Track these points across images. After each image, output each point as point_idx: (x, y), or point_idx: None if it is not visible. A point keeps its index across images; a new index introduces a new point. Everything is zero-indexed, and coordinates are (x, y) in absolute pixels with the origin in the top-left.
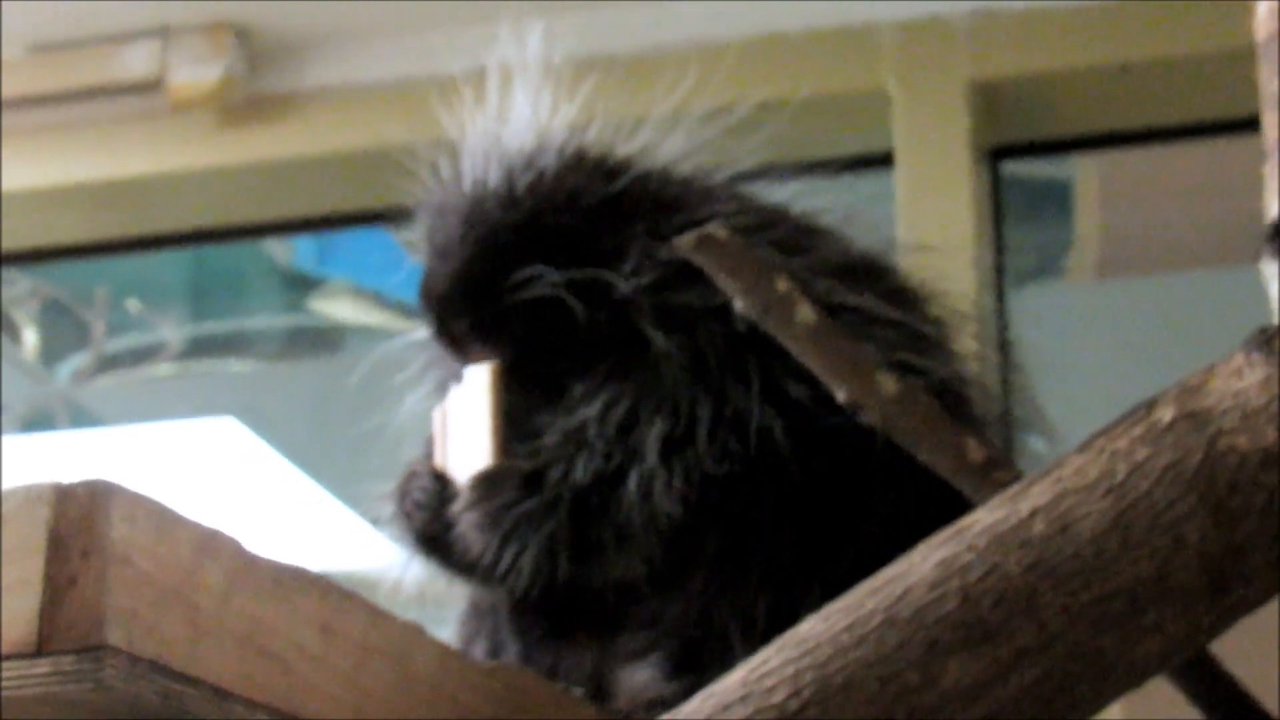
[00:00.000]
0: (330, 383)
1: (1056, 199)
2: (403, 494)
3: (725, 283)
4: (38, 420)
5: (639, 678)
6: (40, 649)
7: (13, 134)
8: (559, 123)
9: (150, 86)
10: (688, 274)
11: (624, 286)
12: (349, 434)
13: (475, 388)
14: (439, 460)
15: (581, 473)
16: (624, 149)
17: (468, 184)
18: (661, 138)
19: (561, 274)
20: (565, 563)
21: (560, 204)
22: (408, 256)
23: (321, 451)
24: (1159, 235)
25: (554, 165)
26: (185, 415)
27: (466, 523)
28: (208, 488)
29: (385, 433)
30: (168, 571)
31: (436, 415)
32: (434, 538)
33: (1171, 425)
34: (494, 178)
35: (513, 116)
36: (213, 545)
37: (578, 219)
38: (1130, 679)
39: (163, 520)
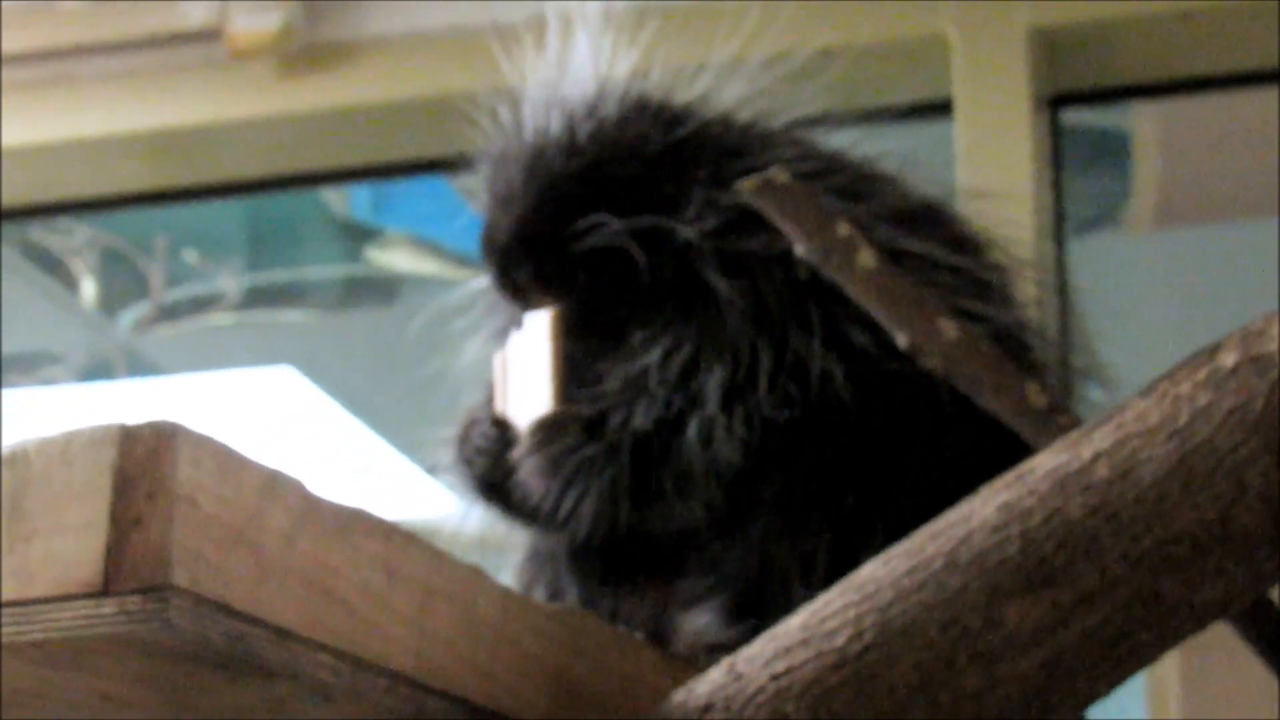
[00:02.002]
0: (387, 332)
1: (1115, 149)
2: (463, 440)
3: (786, 228)
4: (97, 369)
5: (699, 622)
6: (106, 589)
7: (72, 82)
8: (620, 71)
9: (209, 35)
10: (750, 220)
11: (687, 233)
12: (406, 383)
13: (536, 334)
14: (499, 406)
15: (642, 419)
16: (684, 96)
17: (529, 133)
18: (721, 84)
19: (624, 222)
20: (626, 508)
21: (622, 152)
22: (465, 206)
23: (378, 400)
24: (1218, 184)
25: (616, 114)
26: (243, 364)
27: (527, 468)
28: (266, 436)
29: (443, 381)
30: (233, 513)
31: (497, 361)
32: (494, 484)
33: (1235, 370)
34: (555, 126)
35: (573, 64)
36: (277, 487)
37: (640, 167)
38: (1192, 624)
39: (228, 462)
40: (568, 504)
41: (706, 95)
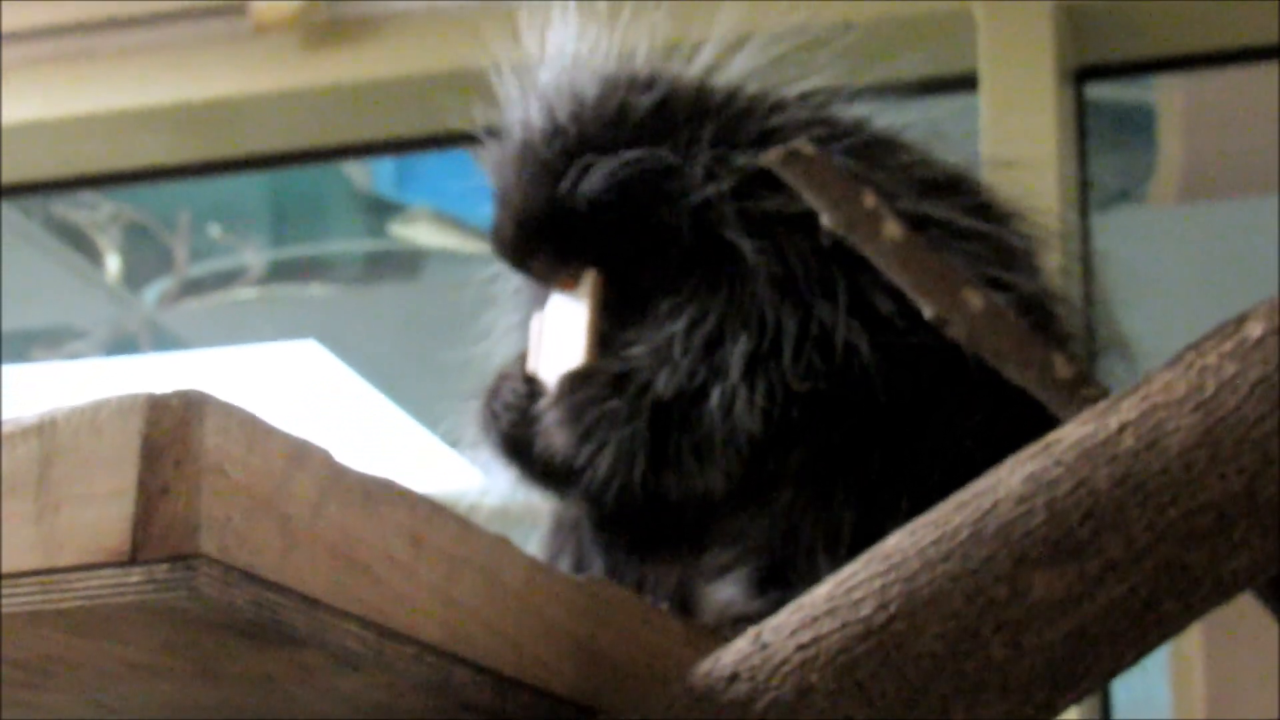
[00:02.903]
0: (410, 306)
1: (1139, 124)
2: (492, 395)
3: (811, 198)
4: (121, 344)
5: (724, 594)
6: (134, 557)
7: (96, 57)
8: (597, 53)
9: (233, 9)
10: (768, 180)
11: (705, 192)
12: (429, 357)
13: (577, 304)
14: (532, 366)
15: (664, 386)
16: (675, 69)
17: (515, 130)
18: (725, 58)
19: (609, 159)
20: (642, 466)
21: (606, 124)
22: (488, 181)
23: (402, 374)
24: (1242, 159)
25: (594, 91)
26: (267, 339)
27: (550, 419)
28: (290, 410)
29: (467, 356)
30: (260, 481)
31: (535, 322)
32: (518, 440)
33: (1261, 341)
34: (536, 115)
35: (549, 54)
36: (304, 456)
37: (628, 134)
38: (1217, 595)
39: (255, 430)
40: (585, 454)
41: (714, 69)
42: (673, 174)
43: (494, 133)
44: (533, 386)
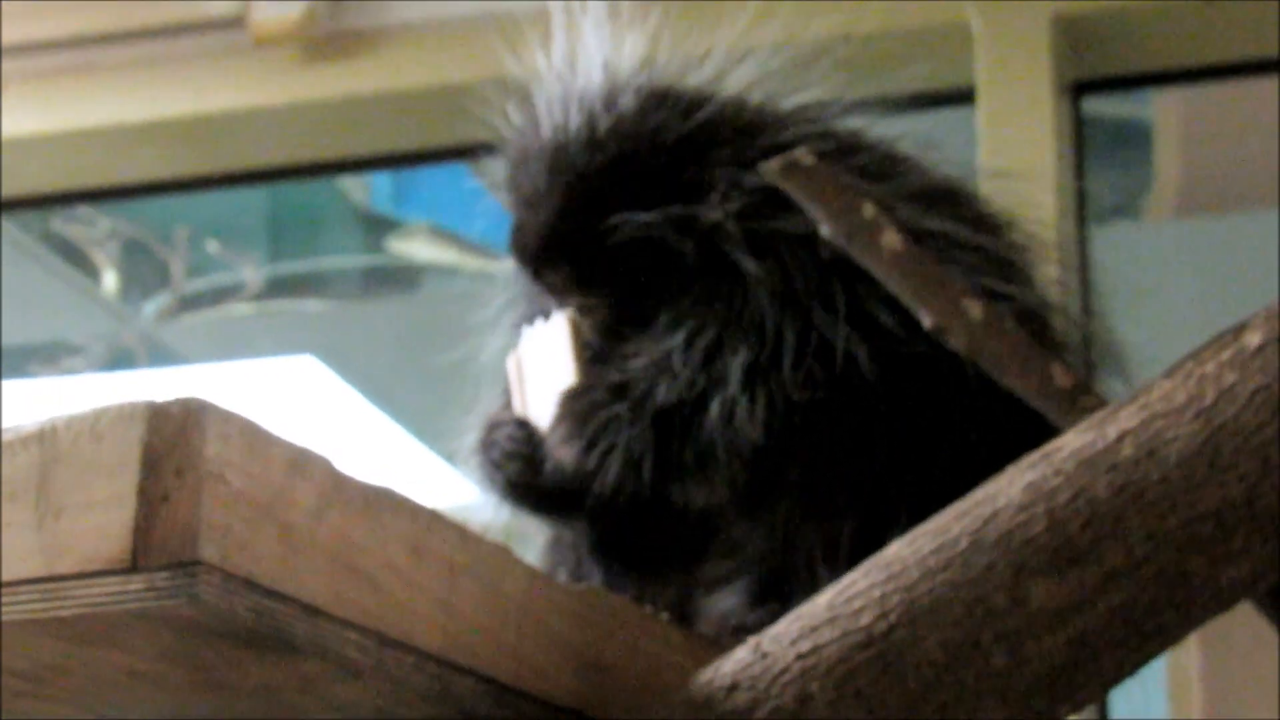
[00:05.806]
0: (408, 322)
1: (1136, 139)
2: (488, 445)
3: (811, 208)
4: (118, 359)
5: (723, 605)
6: (134, 565)
7: (94, 71)
8: (631, 60)
9: (233, 22)
10: (775, 200)
11: (714, 214)
12: (427, 372)
13: (554, 336)
14: (518, 409)
15: (664, 395)
16: (697, 81)
17: (547, 130)
18: (731, 67)
19: (651, 215)
20: (649, 468)
21: (644, 143)
22: (486, 196)
23: (399, 389)
24: (1239, 173)
25: (634, 105)
26: (264, 354)
27: (557, 437)
28: (288, 425)
29: (464, 371)
30: (261, 489)
31: (511, 364)
32: (527, 484)
33: (1260, 350)
34: (574, 122)
35: (583, 57)
36: (304, 464)
37: (662, 156)
38: (1217, 603)
39: (255, 438)
40: (593, 460)
41: (716, 77)
42: (694, 199)
43: (519, 128)
44: (529, 430)
